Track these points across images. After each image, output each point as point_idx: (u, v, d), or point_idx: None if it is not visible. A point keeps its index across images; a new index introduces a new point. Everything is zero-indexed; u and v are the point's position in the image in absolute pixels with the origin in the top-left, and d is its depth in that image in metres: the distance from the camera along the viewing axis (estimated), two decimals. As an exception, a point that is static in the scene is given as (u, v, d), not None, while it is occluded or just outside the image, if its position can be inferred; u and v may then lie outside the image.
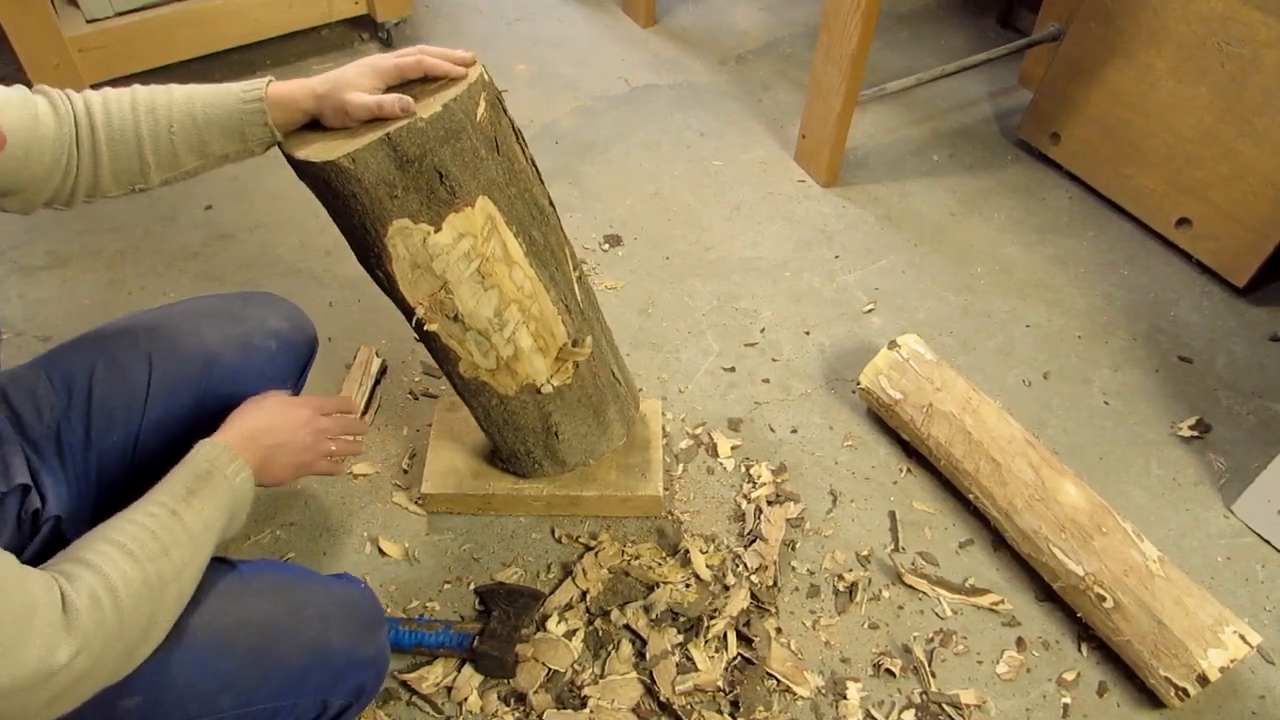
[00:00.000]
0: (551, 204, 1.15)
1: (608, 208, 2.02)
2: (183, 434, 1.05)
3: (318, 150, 0.94)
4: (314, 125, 0.99)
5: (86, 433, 1.02)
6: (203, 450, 0.92)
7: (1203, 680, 1.14)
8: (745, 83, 2.43)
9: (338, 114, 0.95)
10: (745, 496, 1.45)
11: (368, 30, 2.54)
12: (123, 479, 1.05)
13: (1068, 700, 1.23)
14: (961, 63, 2.17)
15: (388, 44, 2.46)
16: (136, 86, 0.94)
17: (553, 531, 1.41)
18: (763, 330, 1.75)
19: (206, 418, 1.05)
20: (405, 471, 1.49)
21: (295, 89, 0.95)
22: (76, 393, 1.01)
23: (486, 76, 1.00)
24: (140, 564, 0.77)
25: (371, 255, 1.03)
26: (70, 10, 2.07)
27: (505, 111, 1.04)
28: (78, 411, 1.01)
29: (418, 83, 0.99)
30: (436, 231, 1.00)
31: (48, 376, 1.01)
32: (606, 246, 1.92)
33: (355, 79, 0.94)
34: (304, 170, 0.95)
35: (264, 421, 1.00)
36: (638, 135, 2.24)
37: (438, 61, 0.97)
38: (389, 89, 0.97)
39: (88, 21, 2.05)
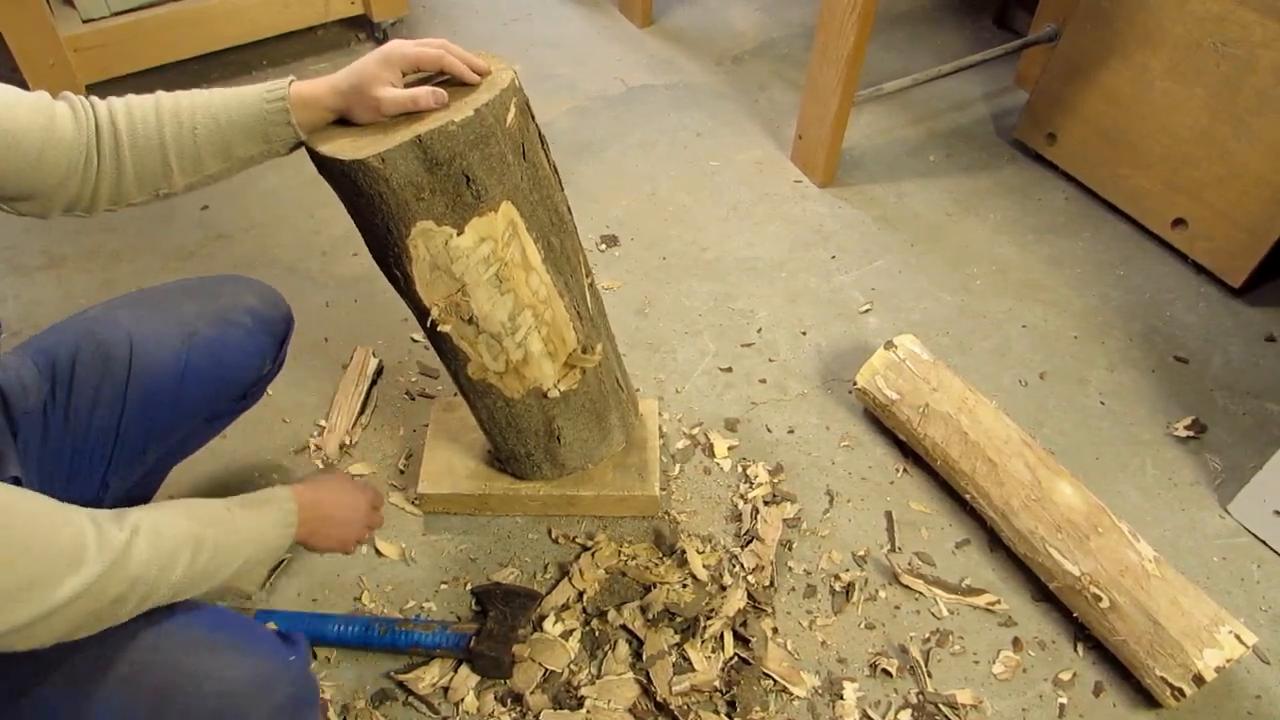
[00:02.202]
0: (569, 211, 1.14)
1: (604, 208, 2.02)
2: (166, 413, 1.07)
3: (344, 147, 0.93)
4: (339, 120, 0.98)
5: (69, 413, 1.01)
6: (269, 489, 1.00)
7: (1199, 680, 1.14)
8: (742, 83, 2.43)
9: (368, 110, 0.95)
10: (742, 497, 1.45)
11: (364, 30, 2.53)
12: (107, 459, 1.05)
13: (1064, 700, 1.23)
14: (958, 63, 2.17)
15: (383, 44, 2.45)
16: (160, 92, 0.93)
17: (549, 532, 1.41)
18: (759, 330, 1.75)
19: (189, 394, 1.07)
20: (402, 472, 1.49)
21: (318, 87, 0.95)
22: (60, 374, 1.01)
23: (517, 82, 0.99)
24: (190, 520, 0.84)
25: (391, 255, 1.03)
26: (66, 10, 2.06)
27: (533, 118, 1.03)
28: (61, 392, 1.01)
29: (435, 79, 0.99)
30: (459, 235, 1.00)
31: (33, 360, 1.01)
32: (603, 247, 1.92)
33: (378, 72, 0.94)
34: (330, 167, 0.94)
35: (334, 495, 1.12)
36: (634, 136, 2.24)
37: (456, 63, 0.97)
38: (405, 80, 0.97)
39: (84, 21, 2.05)
